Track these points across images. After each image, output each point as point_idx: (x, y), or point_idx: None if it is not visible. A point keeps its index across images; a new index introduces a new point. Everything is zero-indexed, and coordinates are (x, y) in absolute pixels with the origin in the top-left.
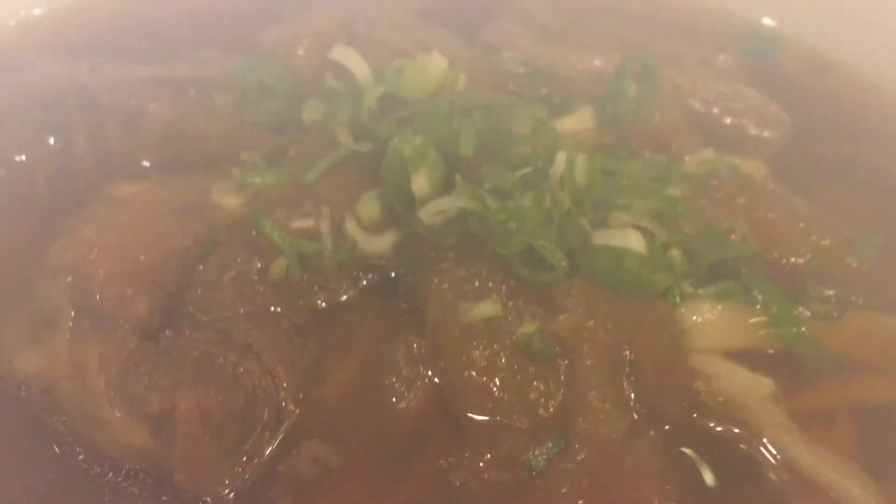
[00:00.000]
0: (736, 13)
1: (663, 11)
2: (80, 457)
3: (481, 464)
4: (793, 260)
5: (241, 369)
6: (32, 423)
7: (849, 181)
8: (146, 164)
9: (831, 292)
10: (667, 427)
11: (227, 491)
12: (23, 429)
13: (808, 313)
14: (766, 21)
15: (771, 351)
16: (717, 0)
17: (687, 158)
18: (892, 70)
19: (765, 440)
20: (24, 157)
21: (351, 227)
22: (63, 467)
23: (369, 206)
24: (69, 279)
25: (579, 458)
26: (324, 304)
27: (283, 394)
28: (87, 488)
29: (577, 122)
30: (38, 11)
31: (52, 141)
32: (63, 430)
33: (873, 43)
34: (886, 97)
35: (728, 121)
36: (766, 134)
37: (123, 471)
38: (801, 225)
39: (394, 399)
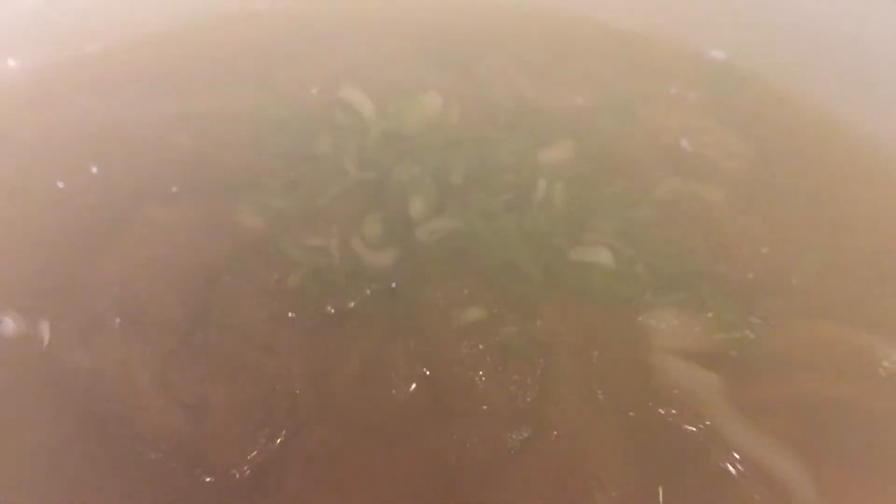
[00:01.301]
0: (707, 54)
1: (641, 53)
2: (126, 438)
3: (468, 445)
4: (744, 274)
5: (263, 365)
6: (84, 410)
7: (800, 206)
8: (175, 189)
9: (777, 302)
10: (629, 414)
11: (248, 466)
12: (75, 415)
13: (756, 320)
14: (734, 60)
15: (731, 353)
16: (693, 44)
17: (656, 186)
18: (846, 106)
19: (711, 425)
20: (69, 183)
21: (357, 244)
22: (111, 447)
23: (373, 226)
24: (115, 289)
25: (551, 439)
26: (333, 310)
27: (297, 386)
28: (132, 465)
29: (559, 152)
30: (76, 54)
31: (93, 169)
32: (111, 416)
33: (832, 81)
34: (839, 130)
35: (695, 152)
36: (728, 164)
37: (164, 449)
38: (753, 244)
39: (393, 391)
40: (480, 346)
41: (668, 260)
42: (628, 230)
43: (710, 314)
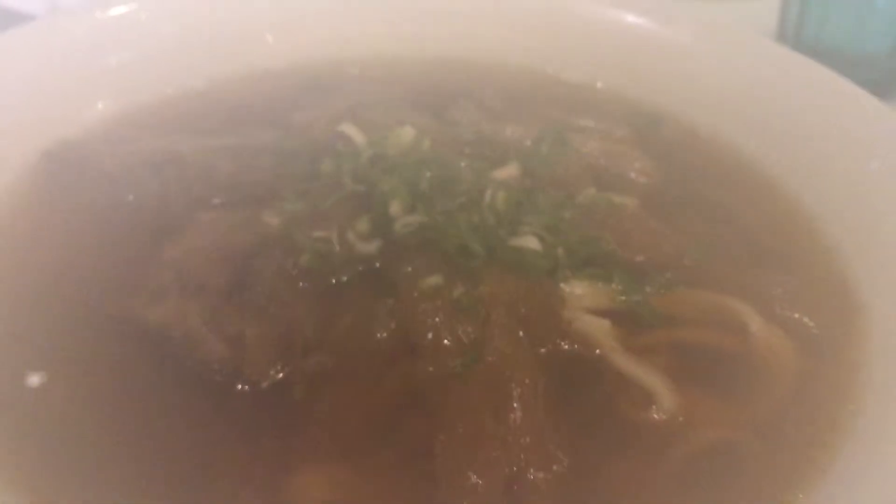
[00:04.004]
0: (630, 99)
1: (578, 98)
2: (187, 363)
3: (430, 368)
4: (640, 258)
5: (282, 316)
6: (155, 347)
7: (693, 209)
8: (216, 201)
9: (668, 276)
10: (542, 348)
11: (268, 381)
12: (148, 351)
13: (649, 289)
14: (652, 102)
15: (627, 311)
16: (619, 90)
17: (578, 194)
18: (737, 136)
19: (601, 355)
20: (137, 197)
21: (351, 236)
22: (176, 370)
23: (363, 224)
24: (175, 268)
25: (485, 363)
26: (333, 281)
27: (306, 330)
28: (192, 380)
29: (507, 172)
30: (141, 102)
31: (154, 186)
32: (176, 350)
33: (727, 116)
34: (731, 153)
35: (615, 171)
36: (641, 179)
37: (214, 369)
38: (652, 236)
39: (377, 335)
40: (438, 303)
41: (583, 246)
42: (554, 225)
43: (612, 284)
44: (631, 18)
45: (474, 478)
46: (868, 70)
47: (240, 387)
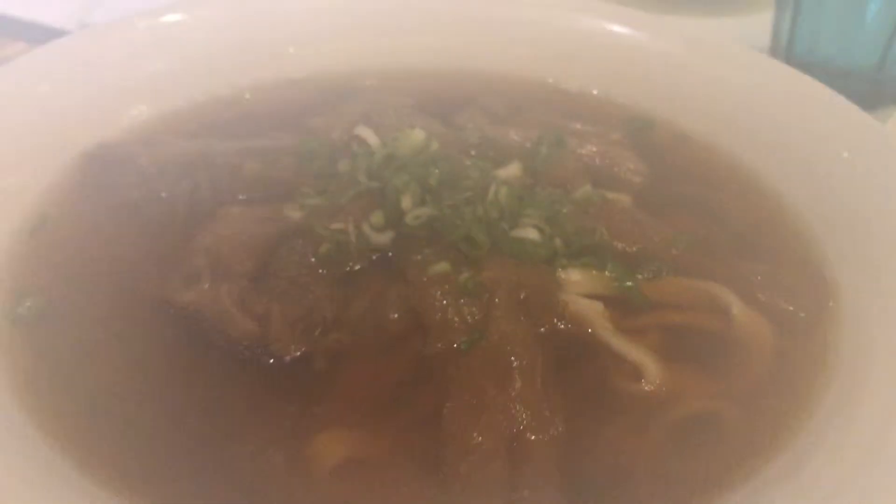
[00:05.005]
0: (625, 105)
1: (576, 105)
2: (219, 340)
3: (439, 344)
4: (631, 248)
5: (303, 299)
6: (190, 326)
7: (683, 206)
8: (243, 197)
9: (657, 265)
10: (541, 328)
11: (290, 356)
12: (184, 331)
13: (639, 276)
14: (645, 108)
15: (618, 296)
16: (615, 98)
17: (574, 191)
18: (726, 140)
19: (593, 333)
20: (170, 193)
21: (366, 228)
22: (210, 346)
23: (377, 217)
24: (205, 255)
25: (489, 341)
26: (350, 269)
27: (326, 311)
28: (224, 355)
29: (510, 171)
30: (172, 108)
31: (186, 184)
32: (208, 329)
33: (716, 122)
34: (719, 156)
35: (609, 170)
36: (633, 178)
37: (244, 345)
38: (640, 229)
39: (389, 316)
40: (446, 287)
41: (579, 237)
42: (552, 218)
43: (606, 272)
44: (626, 31)
45: (478, 438)
46: (857, 82)
47: (266, 360)
